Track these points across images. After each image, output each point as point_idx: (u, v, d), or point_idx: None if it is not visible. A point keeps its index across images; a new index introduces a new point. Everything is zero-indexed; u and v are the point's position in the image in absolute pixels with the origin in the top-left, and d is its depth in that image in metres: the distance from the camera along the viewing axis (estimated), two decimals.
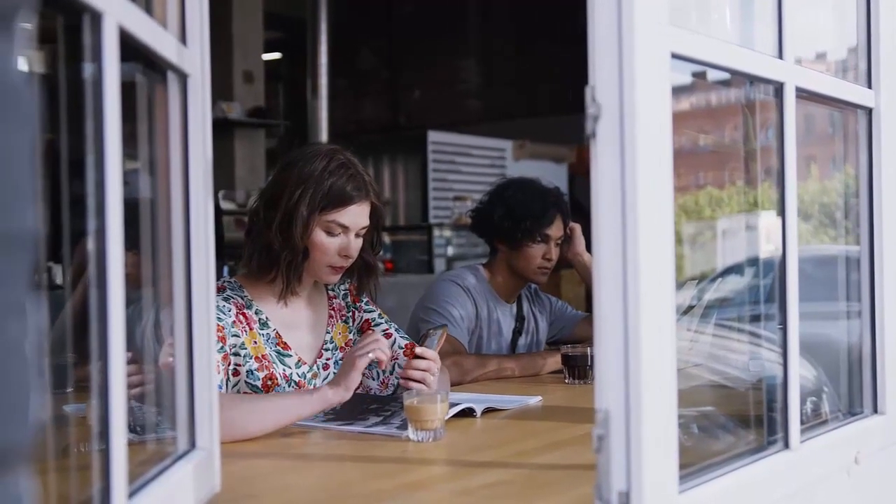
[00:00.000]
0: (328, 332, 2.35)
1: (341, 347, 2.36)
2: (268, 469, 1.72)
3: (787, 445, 1.51)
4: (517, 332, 3.13)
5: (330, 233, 2.19)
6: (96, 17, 1.00)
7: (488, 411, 2.17)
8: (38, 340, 0.58)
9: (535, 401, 2.34)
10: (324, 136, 8.97)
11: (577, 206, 4.84)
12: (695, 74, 1.46)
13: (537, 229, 2.97)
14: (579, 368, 2.63)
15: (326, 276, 2.26)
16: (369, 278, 2.35)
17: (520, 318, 3.15)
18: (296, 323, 2.29)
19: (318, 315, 2.35)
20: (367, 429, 1.94)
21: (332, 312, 2.38)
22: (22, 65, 0.59)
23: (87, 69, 1.02)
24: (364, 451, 1.80)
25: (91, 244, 1.02)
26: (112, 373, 1.01)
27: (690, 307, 2.27)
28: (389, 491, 1.53)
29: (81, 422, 1.43)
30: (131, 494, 1.08)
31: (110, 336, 1.01)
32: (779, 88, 1.52)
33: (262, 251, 2.20)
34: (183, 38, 1.35)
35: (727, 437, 1.66)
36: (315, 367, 2.29)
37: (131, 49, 1.11)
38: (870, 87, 1.81)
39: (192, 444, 1.37)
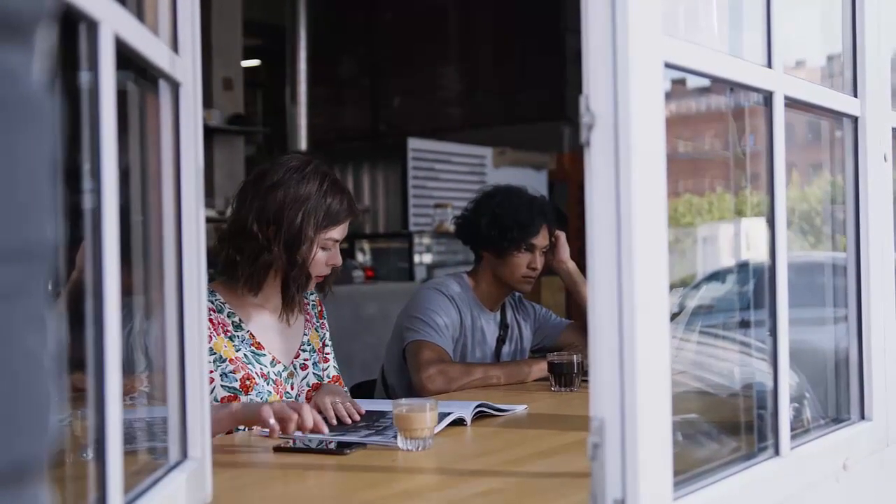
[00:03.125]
0: (305, 335, 2.42)
1: (318, 350, 2.43)
2: (259, 479, 1.71)
3: (777, 452, 1.52)
4: (501, 341, 3.13)
5: (324, 248, 2.29)
6: (92, 26, 0.99)
7: (479, 417, 2.17)
8: (55, 352, 0.58)
9: (521, 409, 2.34)
10: (303, 144, 8.95)
11: (557, 214, 4.84)
12: (674, 81, 1.46)
13: (523, 238, 2.97)
14: (565, 376, 2.63)
15: (311, 286, 2.35)
16: (333, 275, 2.41)
17: (504, 326, 3.15)
18: (272, 325, 2.34)
19: (294, 322, 2.39)
20: (363, 439, 1.93)
21: (308, 316, 2.45)
22: (41, 76, 0.58)
23: (83, 77, 1.01)
24: (354, 461, 1.79)
25: (86, 253, 1.01)
26: (108, 384, 1.01)
27: (674, 314, 2.28)
28: (382, 500, 1.52)
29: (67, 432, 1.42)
30: None
31: (106, 347, 1.00)
32: (768, 97, 1.53)
33: (261, 270, 2.24)
34: (175, 47, 1.35)
35: (717, 444, 1.67)
36: (292, 367, 2.35)
37: (124, 57, 1.11)
38: (855, 95, 1.82)
39: (184, 455, 1.36)
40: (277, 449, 1.87)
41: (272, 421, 1.88)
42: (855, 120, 1.83)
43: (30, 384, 0.55)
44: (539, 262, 3.02)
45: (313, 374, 2.39)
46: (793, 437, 1.56)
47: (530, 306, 3.28)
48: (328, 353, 2.50)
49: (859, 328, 1.84)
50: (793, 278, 1.59)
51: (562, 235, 3.12)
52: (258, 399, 2.21)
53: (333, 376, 2.46)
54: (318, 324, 2.48)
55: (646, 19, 1.19)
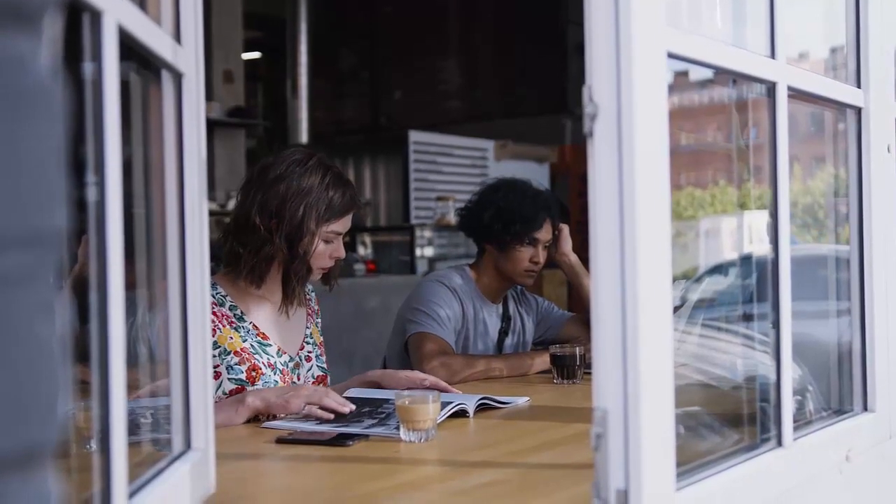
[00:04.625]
0: (307, 328, 2.44)
1: (318, 345, 2.46)
2: (262, 470, 1.71)
3: (780, 443, 1.52)
4: (503, 333, 3.13)
5: (326, 241, 2.30)
6: (96, 16, 0.99)
7: (481, 409, 2.18)
8: (64, 338, 0.58)
9: (524, 401, 2.34)
10: (304, 137, 8.95)
11: (560, 207, 4.86)
12: (677, 73, 1.46)
13: (526, 232, 2.97)
14: (568, 368, 2.64)
15: (314, 277, 2.37)
16: (337, 267, 2.42)
17: (506, 319, 3.15)
18: (275, 317, 2.36)
19: (294, 313, 2.41)
20: (366, 430, 1.93)
21: (310, 311, 2.48)
22: (49, 63, 0.59)
23: (87, 67, 1.01)
24: (357, 452, 1.79)
25: (90, 246, 1.01)
26: (112, 375, 1.01)
27: (676, 307, 2.28)
28: (385, 491, 1.52)
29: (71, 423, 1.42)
30: (131, 495, 1.08)
31: (110, 338, 1.00)
32: (771, 88, 1.53)
33: (263, 262, 2.25)
34: (177, 37, 1.34)
35: (720, 436, 1.67)
36: (297, 358, 2.37)
37: (126, 47, 1.11)
38: (859, 86, 1.82)
39: (188, 445, 1.36)
40: (280, 440, 1.87)
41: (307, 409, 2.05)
42: (858, 111, 1.83)
43: (39, 370, 0.55)
44: (542, 256, 3.02)
45: (317, 366, 2.42)
46: (795, 429, 1.56)
47: (532, 299, 3.28)
48: (320, 353, 2.51)
49: (862, 320, 1.84)
50: (795, 271, 1.59)
51: (564, 228, 3.12)
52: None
53: (318, 376, 2.46)
54: (317, 320, 2.51)
55: (649, 9, 1.19)
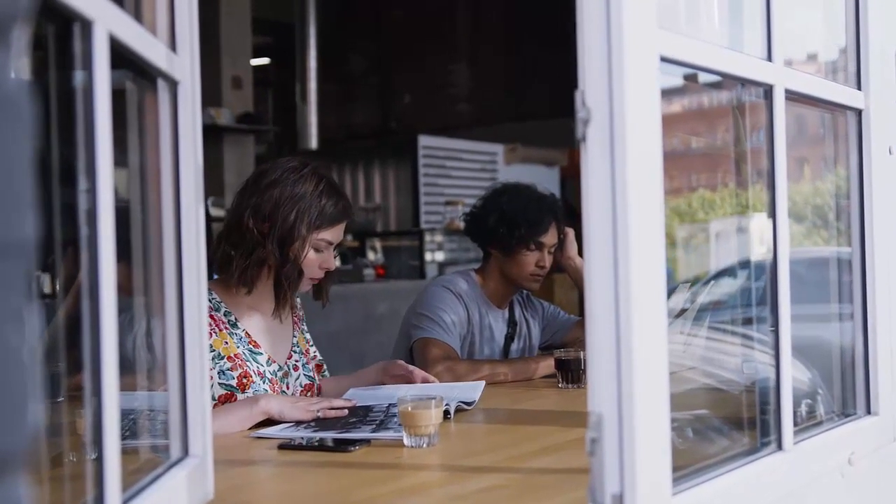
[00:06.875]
0: (294, 337, 2.46)
1: (304, 353, 2.48)
2: (261, 477, 1.72)
3: (780, 447, 1.52)
4: (510, 338, 3.13)
5: (317, 249, 2.32)
6: (87, 25, 1.00)
7: (459, 411, 2.21)
8: (35, 347, 0.59)
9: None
10: (313, 142, 8.96)
11: (569, 210, 4.86)
12: (686, 77, 1.46)
13: (532, 237, 2.96)
14: (572, 372, 2.63)
15: (304, 287, 2.38)
16: (329, 281, 2.43)
17: (512, 324, 3.14)
18: (265, 326, 2.38)
19: (285, 319, 2.43)
20: (367, 435, 1.93)
21: (296, 320, 2.50)
22: (19, 73, 0.59)
23: (78, 77, 1.02)
24: (358, 458, 1.79)
25: (83, 253, 1.01)
26: (104, 382, 1.01)
27: (683, 310, 2.28)
28: (384, 497, 1.52)
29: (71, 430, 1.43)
30: (126, 501, 1.08)
31: (103, 345, 1.01)
32: (768, 90, 1.52)
33: (255, 265, 2.27)
34: (173, 46, 1.35)
35: (721, 439, 1.66)
36: (286, 367, 2.39)
37: (121, 56, 1.11)
38: (859, 88, 1.81)
39: (186, 452, 1.37)
40: (283, 447, 1.88)
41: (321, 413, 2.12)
42: (859, 113, 1.82)
43: (8, 378, 0.55)
44: (547, 260, 3.01)
45: (304, 375, 2.44)
46: (797, 432, 1.55)
47: (538, 303, 3.27)
48: (314, 350, 2.55)
49: (865, 322, 1.83)
50: (804, 274, 1.58)
51: (570, 232, 3.11)
52: None
53: (316, 365, 2.51)
54: (302, 326, 2.53)
55: (640, 13, 1.19)
